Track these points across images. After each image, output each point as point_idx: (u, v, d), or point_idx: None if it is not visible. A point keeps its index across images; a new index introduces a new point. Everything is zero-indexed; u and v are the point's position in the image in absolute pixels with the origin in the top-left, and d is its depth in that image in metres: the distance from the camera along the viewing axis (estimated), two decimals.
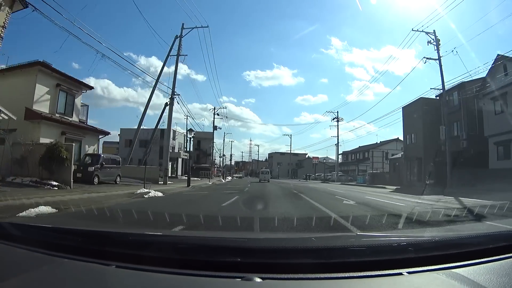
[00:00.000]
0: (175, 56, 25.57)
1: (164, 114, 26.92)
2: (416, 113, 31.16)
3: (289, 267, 1.25)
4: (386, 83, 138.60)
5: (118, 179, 19.66)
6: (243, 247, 1.44)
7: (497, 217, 6.29)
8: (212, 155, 59.51)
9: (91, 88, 22.40)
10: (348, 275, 1.21)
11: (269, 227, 5.73)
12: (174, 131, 48.16)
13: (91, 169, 17.42)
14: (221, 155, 70.89)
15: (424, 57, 27.43)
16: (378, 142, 57.17)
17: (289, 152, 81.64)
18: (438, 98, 30.23)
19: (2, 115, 13.22)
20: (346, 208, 9.51)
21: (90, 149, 20.97)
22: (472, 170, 23.37)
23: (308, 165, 78.52)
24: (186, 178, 24.10)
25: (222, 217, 6.11)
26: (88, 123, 22.93)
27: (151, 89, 25.49)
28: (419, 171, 30.81)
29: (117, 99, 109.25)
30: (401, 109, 34.27)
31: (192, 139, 46.22)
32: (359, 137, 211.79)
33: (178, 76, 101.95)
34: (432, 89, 28.11)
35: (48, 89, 19.08)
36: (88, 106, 22.97)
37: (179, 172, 47.17)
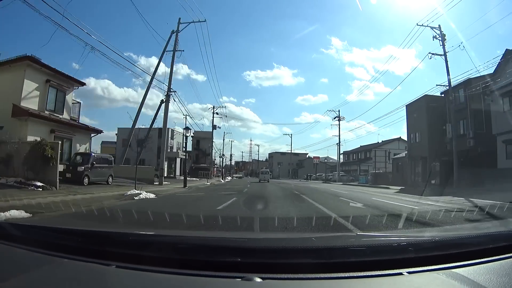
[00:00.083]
0: (172, 52, 24.66)
1: (162, 113, 25.82)
2: (421, 111, 30.26)
3: (289, 267, 1.25)
4: (386, 83, 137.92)
5: (110, 179, 18.68)
6: (243, 247, 1.44)
7: None
8: (212, 155, 58.66)
9: (82, 84, 21.45)
10: (348, 275, 1.20)
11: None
12: (173, 131, 47.30)
13: (80, 169, 16.48)
14: (221, 155, 70.13)
15: (429, 53, 26.67)
16: (380, 141, 56.24)
17: (290, 152, 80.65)
18: (443, 95, 29.39)
19: None
20: (354, 211, 8.57)
21: (81, 148, 20.07)
22: (479, 170, 22.62)
23: (308, 165, 77.57)
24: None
25: (215, 222, 5.60)
26: (80, 121, 22.00)
27: (150, 87, 24.47)
28: (424, 171, 29.88)
29: (118, 99, 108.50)
30: (402, 109, 33.47)
31: (190, 138, 45.16)
32: (359, 137, 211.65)
33: (179, 77, 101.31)
34: (438, 86, 27.14)
35: (37, 85, 18.26)
36: (80, 103, 22.05)
37: (178, 172, 46.26)
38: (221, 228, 5.26)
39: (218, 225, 5.39)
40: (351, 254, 1.34)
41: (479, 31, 55.12)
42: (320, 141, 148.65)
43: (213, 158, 64.60)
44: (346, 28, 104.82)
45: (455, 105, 26.66)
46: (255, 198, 13.21)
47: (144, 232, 1.92)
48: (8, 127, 15.59)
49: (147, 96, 25.19)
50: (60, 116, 19.24)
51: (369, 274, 1.21)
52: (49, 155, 13.05)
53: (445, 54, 26.58)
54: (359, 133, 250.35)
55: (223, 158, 73.14)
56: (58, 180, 13.58)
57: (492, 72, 24.40)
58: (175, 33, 24.01)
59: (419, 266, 1.27)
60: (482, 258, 1.34)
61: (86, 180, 16.52)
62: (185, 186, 20.62)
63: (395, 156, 40.47)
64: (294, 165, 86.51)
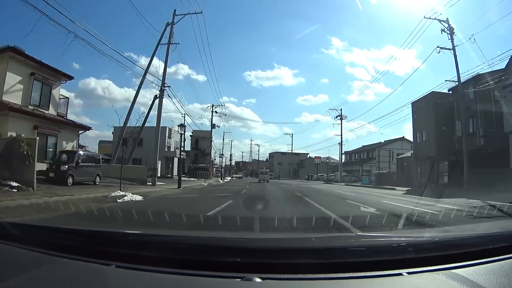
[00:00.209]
0: (167, 47, 23.36)
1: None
2: (428, 108, 28.97)
3: (289, 267, 1.25)
4: (387, 83, 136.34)
5: (97, 179, 17.35)
6: (243, 247, 1.43)
7: None
8: (211, 155, 57.39)
9: (70, 78, 20.17)
10: (348, 276, 1.20)
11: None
12: (170, 129, 46.02)
13: (64, 168, 15.18)
14: (221, 154, 68.93)
15: (437, 47, 25.55)
16: (383, 141, 54.96)
17: (290, 151, 79.29)
18: (451, 92, 28.19)
19: None
20: (370, 218, 7.26)
21: (68, 146, 18.81)
22: (490, 170, 21.48)
23: (309, 165, 76.28)
24: (182, 178, 21.86)
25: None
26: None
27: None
28: (432, 171, 28.59)
29: (118, 99, 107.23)
30: (402, 109, 32.31)
31: (188, 137, 43.90)
32: (359, 137, 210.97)
33: (179, 77, 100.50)
34: (447, 81, 25.91)
35: (21, 78, 17.09)
36: (68, 98, 20.81)
37: (175, 172, 45.00)
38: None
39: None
40: (351, 254, 1.34)
41: (479, 30, 53.77)
42: (321, 141, 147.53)
43: (213, 158, 63.58)
44: (347, 28, 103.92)
45: (464, 102, 25.45)
46: (253, 200, 12.12)
47: (144, 232, 1.91)
48: None
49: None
50: (46, 112, 18.01)
51: (369, 275, 1.20)
52: (25, 152, 11.79)
53: (453, 48, 25.46)
54: (360, 134, 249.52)
55: (222, 158, 72.01)
56: (35, 180, 12.32)
57: (504, 67, 23.29)
58: (170, 25, 22.71)
59: (419, 267, 1.26)
60: (482, 258, 1.33)
61: (70, 180, 15.22)
62: (179, 187, 19.33)
63: (400, 156, 39.23)
64: (295, 165, 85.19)
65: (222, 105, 46.89)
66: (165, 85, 22.05)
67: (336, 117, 47.97)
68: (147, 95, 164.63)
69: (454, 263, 1.28)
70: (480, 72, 23.79)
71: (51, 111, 18.59)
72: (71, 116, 22.47)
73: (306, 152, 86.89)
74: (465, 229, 3.14)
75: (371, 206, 9.83)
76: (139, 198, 11.55)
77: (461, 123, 24.29)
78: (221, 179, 46.29)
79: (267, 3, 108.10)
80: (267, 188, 22.39)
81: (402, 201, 12.95)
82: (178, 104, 66.92)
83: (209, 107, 44.01)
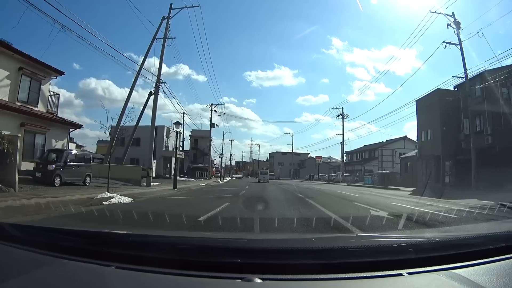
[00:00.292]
0: (163, 42, 22.44)
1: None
2: (433, 106, 28.06)
3: (289, 268, 1.24)
4: (387, 83, 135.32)
5: (87, 179, 16.42)
6: (243, 248, 1.42)
7: None
8: (210, 155, 56.48)
9: (61, 73, 19.29)
10: (348, 276, 1.18)
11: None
12: (168, 129, 45.08)
13: (51, 167, 14.26)
14: (220, 154, 68.04)
15: (444, 42, 24.73)
16: (385, 140, 54.07)
17: (291, 151, 78.36)
18: (457, 89, 27.30)
19: None
20: (386, 225, 6.34)
21: (58, 144, 17.93)
22: (499, 169, 20.68)
23: (310, 165, 75.40)
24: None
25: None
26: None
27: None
28: (437, 171, 27.68)
29: (118, 99, 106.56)
30: (404, 108, 31.64)
31: (182, 134, 42.91)
32: (360, 137, 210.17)
33: (179, 77, 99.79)
34: (454, 77, 24.99)
35: (8, 73, 16.25)
36: (59, 95, 19.91)
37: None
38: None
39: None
40: (351, 255, 1.33)
41: (479, 30, 53.09)
42: (322, 140, 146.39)
43: (213, 157, 62.69)
44: (347, 28, 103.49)
45: (471, 99, 24.58)
46: (251, 202, 11.24)
47: (144, 233, 1.89)
48: None
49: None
50: (34, 108, 17.14)
51: (369, 275, 1.19)
52: (5, 150, 10.90)
53: (460, 44, 24.64)
54: (360, 134, 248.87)
55: (222, 158, 71.11)
56: (17, 180, 11.43)
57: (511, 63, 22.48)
58: (166, 19, 21.79)
59: (419, 267, 1.24)
60: (483, 258, 1.31)
61: (57, 181, 14.32)
62: (175, 187, 18.45)
63: (404, 156, 38.36)
64: (296, 165, 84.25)
65: (221, 105, 45.95)
66: (161, 81, 21.13)
67: (338, 116, 47.14)
68: (146, 95, 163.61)
69: (454, 263, 1.27)
70: (488, 68, 22.98)
71: (40, 107, 17.72)
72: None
73: (307, 152, 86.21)
74: (465, 229, 3.00)
75: (381, 209, 8.92)
76: (128, 200, 10.68)
77: (469, 121, 23.42)
78: (220, 180, 45.45)
79: (268, 4, 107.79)
80: (267, 189, 21.54)
81: (410, 202, 12.06)
82: (175, 102, 65.84)
83: (209, 107, 43.03)
